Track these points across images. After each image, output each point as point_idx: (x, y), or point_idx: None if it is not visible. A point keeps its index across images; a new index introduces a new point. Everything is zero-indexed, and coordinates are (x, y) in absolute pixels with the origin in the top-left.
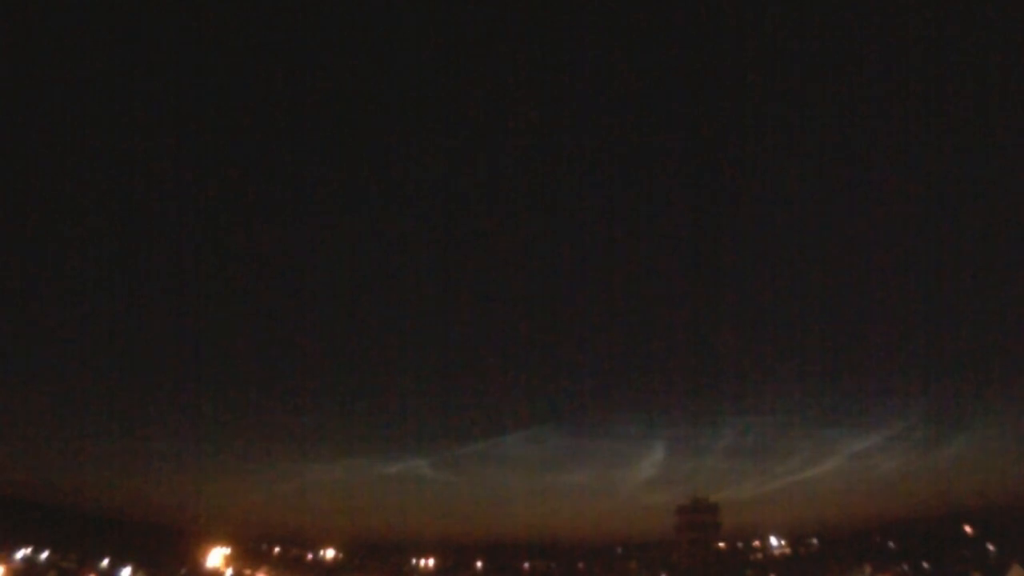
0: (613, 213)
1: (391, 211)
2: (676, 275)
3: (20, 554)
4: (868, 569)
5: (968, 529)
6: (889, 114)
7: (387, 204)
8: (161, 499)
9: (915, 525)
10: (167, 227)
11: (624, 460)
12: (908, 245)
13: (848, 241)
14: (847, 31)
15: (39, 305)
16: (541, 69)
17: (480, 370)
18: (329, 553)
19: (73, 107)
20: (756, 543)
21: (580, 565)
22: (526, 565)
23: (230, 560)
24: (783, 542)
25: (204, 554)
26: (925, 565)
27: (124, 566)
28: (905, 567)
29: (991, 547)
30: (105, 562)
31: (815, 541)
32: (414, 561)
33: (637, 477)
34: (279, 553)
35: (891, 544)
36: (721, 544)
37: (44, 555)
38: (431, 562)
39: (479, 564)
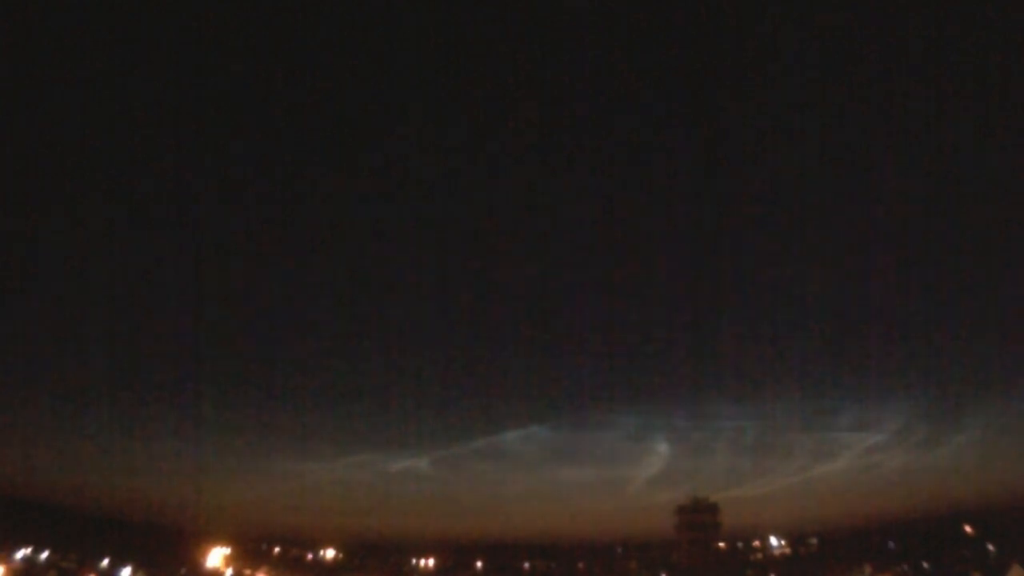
0: (614, 212)
1: (391, 210)
2: (677, 274)
3: (20, 554)
4: (868, 569)
5: (968, 529)
6: (889, 113)
7: (386, 203)
8: (161, 499)
9: (915, 525)
10: (167, 227)
11: (624, 460)
12: (907, 245)
13: (848, 241)
14: (847, 31)
15: (39, 305)
16: (541, 69)
17: (480, 369)
18: (329, 553)
19: (73, 107)
20: (756, 543)
21: (580, 565)
22: (526, 565)
23: (230, 560)
24: (783, 542)
25: (204, 554)
26: (925, 565)
27: (124, 566)
28: (905, 567)
29: (991, 547)
30: (105, 562)
31: (815, 541)
32: (414, 561)
33: (637, 477)
34: (279, 553)
35: (891, 544)
36: (721, 544)
37: (44, 555)
38: (431, 562)
39: (479, 564)
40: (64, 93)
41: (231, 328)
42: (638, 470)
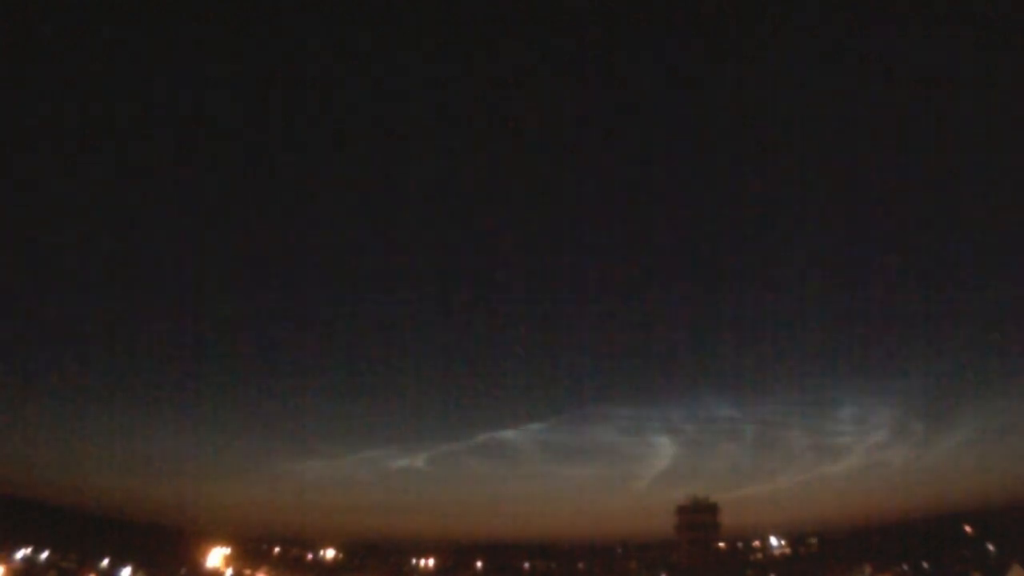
0: (613, 212)
1: (391, 207)
2: (676, 273)
3: (20, 554)
4: (868, 569)
5: (968, 529)
6: (889, 113)
7: (386, 203)
8: (161, 499)
9: (915, 525)
10: (167, 226)
11: (624, 459)
12: (907, 246)
13: (847, 242)
14: (847, 31)
15: (39, 305)
16: (541, 69)
17: (479, 367)
18: (329, 553)
19: (73, 107)
20: (756, 543)
21: (580, 565)
22: (526, 565)
23: (230, 560)
24: (783, 542)
25: (204, 554)
26: (925, 565)
27: (124, 566)
28: (905, 567)
29: (991, 547)
30: (105, 562)
31: (815, 541)
32: (414, 561)
33: (637, 477)
34: (279, 553)
35: (891, 544)
36: (721, 544)
37: (44, 555)
38: (431, 562)
39: (479, 564)
40: (64, 93)
41: (231, 328)
42: (637, 469)
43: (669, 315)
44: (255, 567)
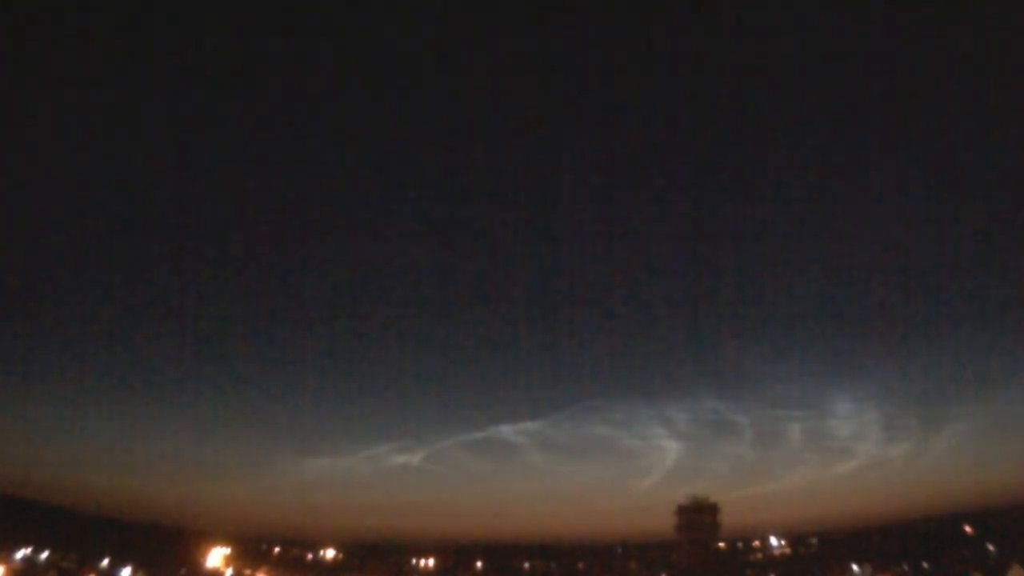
0: (613, 212)
1: (390, 204)
2: (676, 272)
3: (20, 554)
4: (868, 569)
5: (968, 529)
6: (889, 113)
7: (385, 202)
8: (161, 499)
9: (915, 525)
10: (166, 226)
11: (624, 460)
12: (906, 246)
13: (845, 244)
14: (847, 31)
15: (39, 305)
16: (542, 69)
17: (477, 366)
18: (329, 553)
19: (74, 106)
20: (756, 543)
21: (580, 565)
22: (526, 565)
23: (230, 560)
24: (783, 542)
25: (204, 554)
26: (925, 565)
27: (124, 566)
28: (905, 567)
29: (991, 547)
30: (105, 562)
31: (815, 541)
32: (414, 561)
33: (637, 476)
34: (279, 553)
35: (891, 544)
36: (721, 544)
37: (44, 555)
38: (431, 562)
39: (479, 564)
40: (64, 93)
41: (230, 329)
42: (637, 469)
43: (669, 315)
44: (255, 567)
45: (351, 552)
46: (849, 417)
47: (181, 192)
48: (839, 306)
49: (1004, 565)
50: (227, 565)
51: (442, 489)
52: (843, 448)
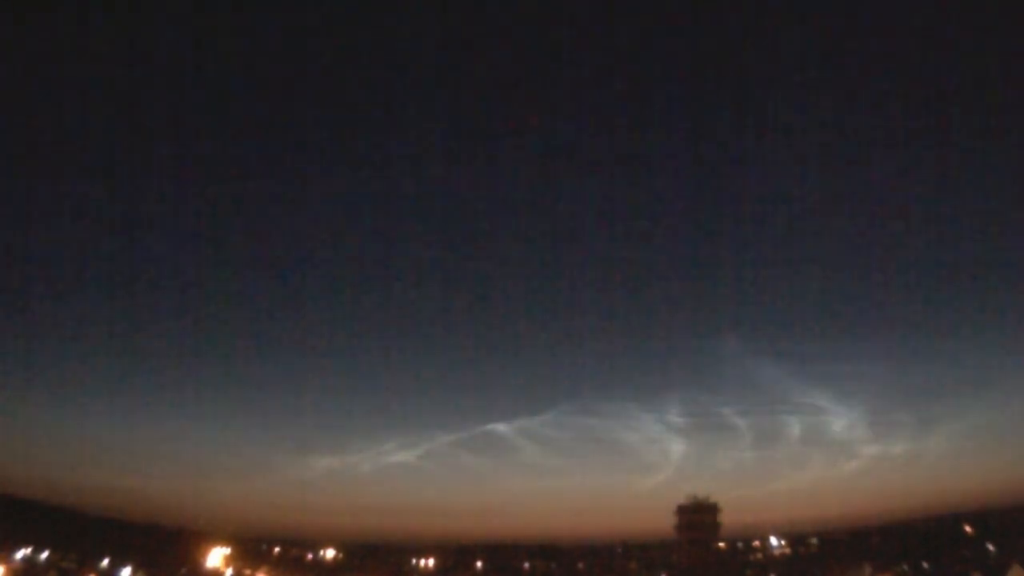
0: (613, 212)
1: (390, 205)
2: (675, 271)
3: (20, 554)
4: (868, 569)
5: (968, 529)
6: (889, 113)
7: (384, 202)
8: (161, 499)
9: (915, 525)
10: (166, 226)
11: (624, 458)
12: (906, 245)
13: (844, 245)
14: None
15: (39, 305)
16: (542, 70)
17: (476, 364)
18: (329, 553)
19: (74, 107)
20: (756, 543)
21: (580, 565)
22: (526, 565)
23: (230, 560)
24: (783, 542)
25: (204, 554)
26: (925, 565)
27: (124, 566)
28: (905, 567)
29: (991, 547)
30: (105, 562)
31: (815, 541)
32: (414, 561)
33: (638, 476)
34: (279, 553)
35: (891, 544)
36: (721, 544)
37: (44, 555)
38: (431, 562)
39: (479, 564)
40: (64, 94)
41: (230, 329)
42: (637, 470)
43: (668, 314)
44: (255, 567)
45: (351, 552)
46: (849, 417)
47: (181, 192)
48: (838, 306)
49: (1004, 565)
50: (227, 565)
51: (440, 487)
52: (843, 448)
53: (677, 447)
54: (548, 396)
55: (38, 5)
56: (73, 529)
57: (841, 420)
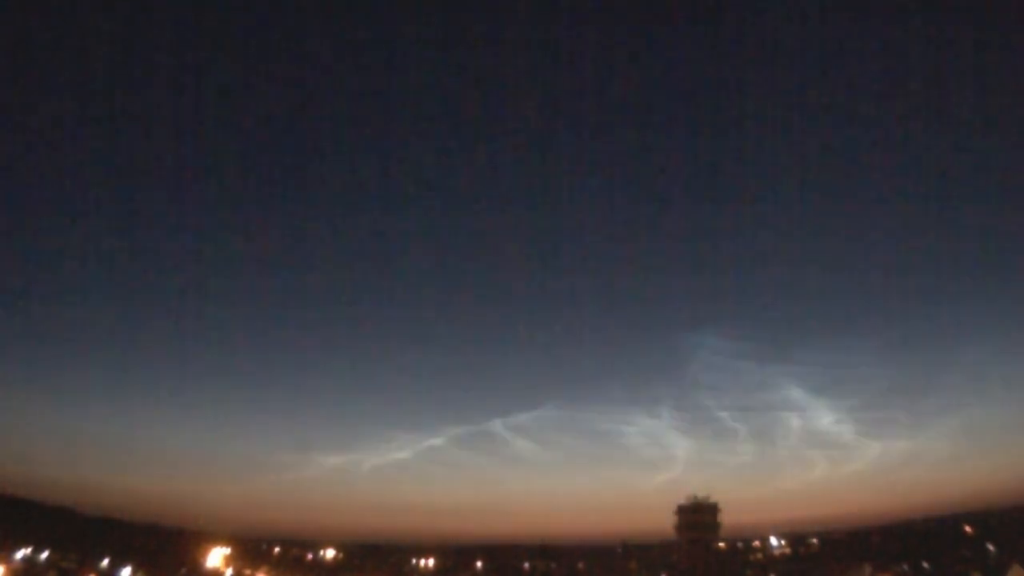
0: (612, 212)
1: (391, 204)
2: (674, 270)
3: (20, 554)
4: (868, 569)
5: (968, 529)
6: (889, 113)
7: (386, 201)
8: (161, 499)
9: (915, 525)
10: (166, 226)
11: (624, 459)
12: (906, 245)
13: (842, 246)
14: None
15: (39, 305)
16: (542, 70)
17: (475, 364)
18: (329, 553)
19: (74, 107)
20: (756, 543)
21: (580, 565)
22: (526, 565)
23: (230, 560)
24: (783, 542)
25: (204, 554)
26: (925, 565)
27: (124, 566)
28: (905, 567)
29: (991, 547)
30: (105, 562)
31: (815, 541)
32: (414, 561)
33: (638, 476)
34: (279, 553)
35: (891, 544)
36: (721, 544)
37: (44, 555)
38: (431, 562)
39: (479, 564)
40: (64, 94)
41: (230, 329)
42: (637, 470)
43: (668, 314)
44: (255, 567)
45: (351, 552)
46: (849, 417)
47: (181, 192)
48: (838, 306)
49: (1004, 565)
50: (227, 565)
51: (440, 487)
52: (843, 448)
53: (678, 447)
54: (543, 392)
55: (38, 5)
56: (73, 529)
57: (841, 420)
